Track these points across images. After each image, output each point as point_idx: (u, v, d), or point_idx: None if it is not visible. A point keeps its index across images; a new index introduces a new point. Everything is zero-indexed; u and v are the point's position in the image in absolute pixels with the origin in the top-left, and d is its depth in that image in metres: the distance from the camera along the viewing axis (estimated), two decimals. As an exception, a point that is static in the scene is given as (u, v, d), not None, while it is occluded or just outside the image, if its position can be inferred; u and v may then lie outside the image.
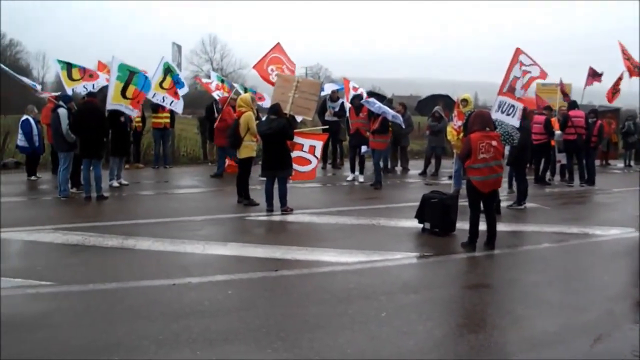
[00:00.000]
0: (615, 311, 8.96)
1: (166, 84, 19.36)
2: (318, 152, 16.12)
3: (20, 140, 20.42)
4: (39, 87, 21.24)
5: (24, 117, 20.54)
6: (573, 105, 22.03)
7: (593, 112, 23.14)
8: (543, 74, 16.28)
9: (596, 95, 27.74)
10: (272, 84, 20.34)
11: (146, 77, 18.23)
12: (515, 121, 15.21)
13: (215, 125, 21.77)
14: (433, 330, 7.83)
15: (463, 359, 7.09)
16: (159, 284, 9.40)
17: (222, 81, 24.14)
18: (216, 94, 22.46)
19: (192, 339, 7.29)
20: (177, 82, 19.73)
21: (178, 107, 20.25)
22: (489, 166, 11.69)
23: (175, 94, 19.49)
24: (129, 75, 17.70)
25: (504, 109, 15.21)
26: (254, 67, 21.22)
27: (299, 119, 19.50)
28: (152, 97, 19.32)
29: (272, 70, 21.01)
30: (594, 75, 25.93)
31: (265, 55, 21.25)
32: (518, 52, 15.66)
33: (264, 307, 8.55)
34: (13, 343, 7.21)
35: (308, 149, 15.82)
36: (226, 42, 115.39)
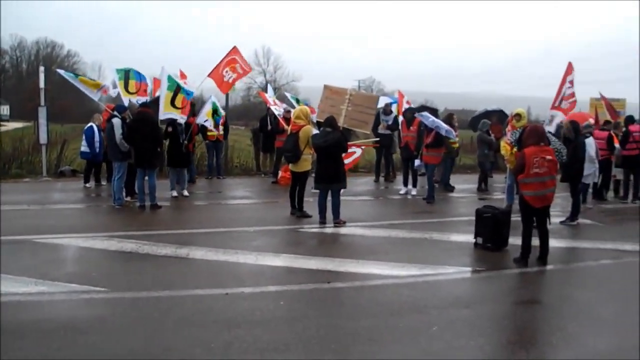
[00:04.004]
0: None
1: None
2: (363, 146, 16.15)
3: (83, 145, 20.80)
4: (110, 88, 21.29)
5: (89, 124, 20.90)
6: (631, 119, 21.68)
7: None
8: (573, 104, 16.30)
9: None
10: (223, 82, 20.47)
11: (188, 91, 18.41)
12: (550, 128, 15.06)
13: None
14: (484, 346, 7.79)
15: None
16: (212, 293, 9.47)
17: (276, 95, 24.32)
18: (274, 109, 22.53)
19: (244, 348, 7.33)
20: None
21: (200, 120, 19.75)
22: (542, 181, 11.62)
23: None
24: (177, 86, 17.86)
25: (548, 121, 15.16)
26: (208, 75, 21.05)
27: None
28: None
29: (226, 72, 20.99)
30: None
31: (220, 62, 21.19)
32: (570, 66, 15.56)
33: (315, 319, 8.58)
34: (67, 345, 7.37)
35: (351, 161, 15.87)
36: (280, 54, 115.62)
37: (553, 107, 15.67)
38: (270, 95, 24.12)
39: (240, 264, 11.32)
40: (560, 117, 15.74)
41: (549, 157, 11.69)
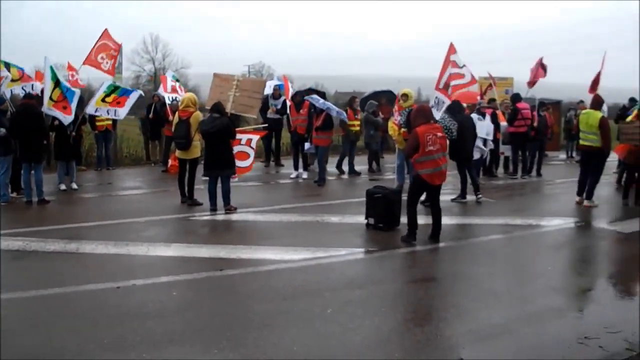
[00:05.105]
0: (559, 300, 9.14)
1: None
2: (254, 144, 16.05)
3: None
4: None
5: None
6: (518, 97, 22.19)
7: (543, 105, 23.39)
8: (473, 81, 16.25)
9: (537, 89, 28.06)
10: (105, 71, 20.45)
11: (68, 88, 17.82)
12: (437, 114, 15.08)
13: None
14: (379, 325, 7.87)
15: (409, 353, 7.11)
16: (103, 288, 9.29)
17: (177, 80, 23.93)
18: (167, 97, 22.19)
19: (137, 341, 7.24)
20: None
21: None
22: (438, 157, 11.82)
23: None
24: (57, 79, 17.34)
25: (434, 103, 15.16)
26: (84, 63, 20.92)
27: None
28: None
29: (102, 58, 20.93)
30: (542, 69, 26.38)
31: (93, 48, 21.09)
32: (452, 48, 15.55)
33: (208, 307, 8.54)
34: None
35: (245, 142, 15.74)
36: (168, 41, 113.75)
37: (437, 89, 15.67)
38: (169, 82, 23.69)
39: (131, 256, 11.18)
40: (447, 103, 15.74)
41: (439, 134, 11.97)
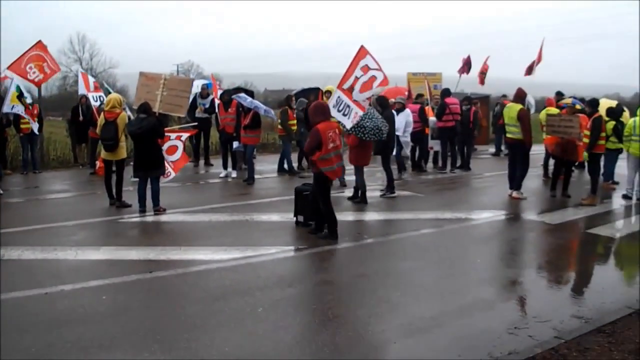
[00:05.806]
0: (489, 292, 9.33)
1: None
2: (184, 138, 15.98)
3: None
4: None
5: None
6: (447, 93, 22.39)
7: (467, 100, 23.57)
8: (385, 81, 15.89)
9: (467, 84, 28.44)
10: (31, 81, 20.39)
11: None
12: (348, 122, 14.79)
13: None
14: (310, 323, 7.97)
15: (340, 349, 7.15)
16: (30, 294, 9.13)
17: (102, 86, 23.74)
18: (91, 96, 21.99)
19: (67, 348, 7.15)
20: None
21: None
22: (338, 154, 12.08)
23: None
24: None
25: (340, 108, 14.75)
26: (8, 67, 20.79)
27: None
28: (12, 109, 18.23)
29: (30, 68, 20.85)
30: (468, 65, 26.96)
31: (23, 55, 20.97)
32: (362, 51, 15.05)
33: (139, 310, 8.49)
34: None
35: (175, 137, 15.66)
36: (95, 41, 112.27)
37: (340, 88, 15.08)
38: (91, 81, 23.45)
39: (60, 261, 10.99)
40: (355, 109, 15.22)
41: (337, 130, 12.24)
